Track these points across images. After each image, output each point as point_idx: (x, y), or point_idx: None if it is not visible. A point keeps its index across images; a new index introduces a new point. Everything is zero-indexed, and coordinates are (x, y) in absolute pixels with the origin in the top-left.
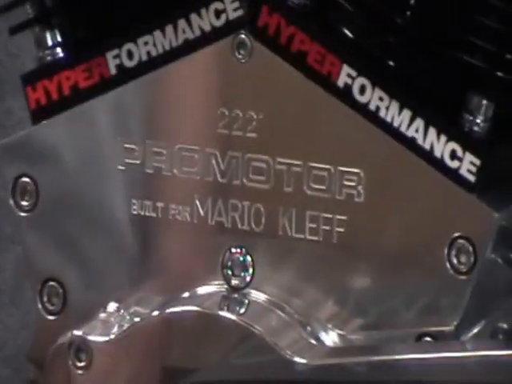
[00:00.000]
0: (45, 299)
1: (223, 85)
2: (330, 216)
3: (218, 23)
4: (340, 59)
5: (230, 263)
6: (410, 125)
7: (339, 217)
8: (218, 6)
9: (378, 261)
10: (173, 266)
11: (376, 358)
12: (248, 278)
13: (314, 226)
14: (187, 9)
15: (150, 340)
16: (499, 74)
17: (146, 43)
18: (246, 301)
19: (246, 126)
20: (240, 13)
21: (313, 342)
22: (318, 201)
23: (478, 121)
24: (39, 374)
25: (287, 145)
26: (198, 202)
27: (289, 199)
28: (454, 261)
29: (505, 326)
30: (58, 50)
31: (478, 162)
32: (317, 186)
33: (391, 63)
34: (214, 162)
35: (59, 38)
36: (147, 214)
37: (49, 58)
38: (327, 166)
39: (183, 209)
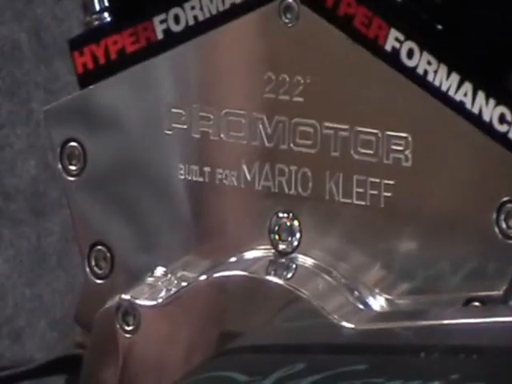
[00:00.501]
0: (92, 263)
1: (270, 49)
2: (378, 180)
3: None
4: (387, 23)
5: (277, 228)
6: (458, 89)
7: (386, 181)
8: None
9: (426, 225)
10: (220, 231)
11: (423, 322)
12: (295, 243)
13: (361, 190)
14: None
15: (196, 304)
16: None
17: (192, 7)
18: (293, 265)
19: (292, 90)
20: None
21: (360, 306)
22: (365, 165)
23: None
24: (86, 337)
25: (334, 109)
26: (244, 167)
27: (336, 164)
28: (503, 225)
29: None
30: (105, 14)
31: None
32: (364, 151)
33: (439, 26)
34: (260, 126)
35: (106, 3)
36: (194, 178)
37: (96, 22)
38: (374, 131)
39: (230, 173)
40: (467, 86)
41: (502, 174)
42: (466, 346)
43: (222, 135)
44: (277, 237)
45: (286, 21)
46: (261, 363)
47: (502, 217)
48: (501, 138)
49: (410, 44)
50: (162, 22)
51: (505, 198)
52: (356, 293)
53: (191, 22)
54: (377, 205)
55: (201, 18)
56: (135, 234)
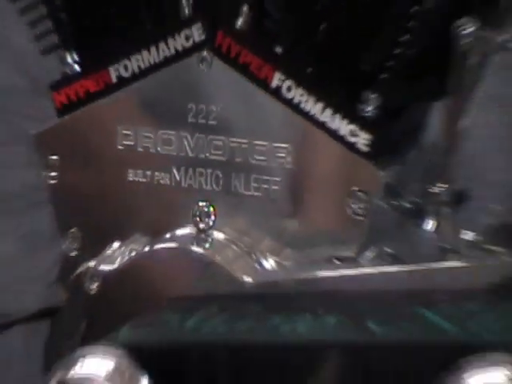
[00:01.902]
0: (68, 242)
1: (192, 87)
2: (268, 178)
3: (188, 44)
4: (273, 67)
5: (198, 213)
6: (322, 112)
7: (275, 178)
8: (187, 32)
9: (302, 210)
10: (158, 216)
11: (302, 275)
12: (211, 223)
13: (256, 185)
14: (166, 34)
15: (142, 269)
16: (384, 76)
17: (137, 59)
18: (210, 239)
19: (208, 116)
20: (203, 37)
21: (257, 266)
22: (259, 167)
23: (370, 109)
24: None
25: (238, 128)
26: (175, 171)
27: (239, 167)
28: (354, 206)
29: (390, 250)
30: (76, 66)
31: (370, 137)
32: (258, 157)
33: (311, 68)
34: (185, 142)
35: (76, 58)
36: (140, 179)
37: (69, 71)
38: (265, 143)
39: (165, 175)
40: (328, 111)
41: (352, 172)
42: (330, 290)
43: (158, 148)
44: (198, 219)
45: (203, 68)
46: (186, 307)
47: (352, 200)
48: (352, 146)
49: (288, 82)
50: (115, 70)
51: (355, 188)
52: (254, 257)
53: (136, 70)
54: (268, 195)
55: (143, 67)
56: (98, 221)
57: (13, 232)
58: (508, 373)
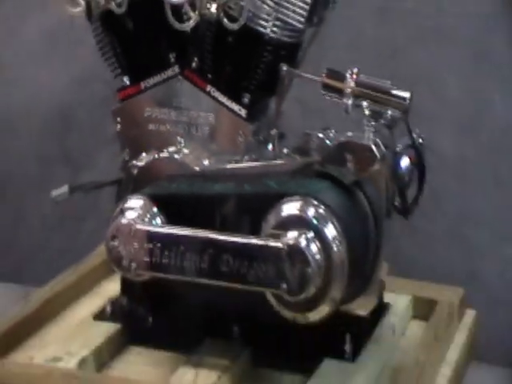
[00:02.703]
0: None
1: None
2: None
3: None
4: (206, 82)
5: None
6: (231, 102)
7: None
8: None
9: (216, 144)
10: None
11: (224, 166)
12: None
13: None
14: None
15: (153, 168)
16: (251, 87)
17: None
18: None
19: None
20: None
21: (203, 162)
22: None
23: (246, 100)
24: None
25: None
26: None
27: None
28: (240, 140)
29: (254, 156)
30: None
31: (246, 111)
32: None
33: (224, 85)
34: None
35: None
36: None
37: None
38: (209, 113)
39: None
40: (233, 102)
41: (239, 125)
42: (237, 173)
43: None
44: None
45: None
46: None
47: (238, 137)
48: (239, 116)
49: (213, 88)
50: (144, 83)
51: (240, 132)
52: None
53: (149, 85)
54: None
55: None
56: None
57: None
58: (299, 203)
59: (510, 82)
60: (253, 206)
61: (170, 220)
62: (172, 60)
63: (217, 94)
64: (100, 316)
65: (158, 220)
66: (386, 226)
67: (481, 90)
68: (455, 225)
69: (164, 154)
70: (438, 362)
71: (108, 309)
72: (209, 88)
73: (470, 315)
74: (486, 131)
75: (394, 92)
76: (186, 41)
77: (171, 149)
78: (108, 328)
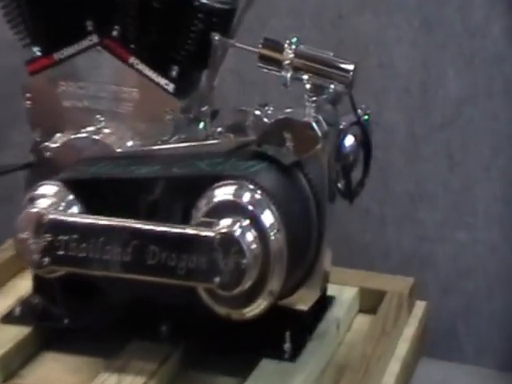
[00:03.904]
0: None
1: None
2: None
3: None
4: (129, 53)
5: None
6: (157, 76)
7: (127, 104)
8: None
9: (142, 122)
10: None
11: (146, 148)
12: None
13: None
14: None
15: (69, 148)
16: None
17: (62, 53)
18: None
19: None
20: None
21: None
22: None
23: (174, 73)
24: None
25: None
26: None
27: None
28: (168, 117)
29: (183, 136)
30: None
31: (174, 85)
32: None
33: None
34: None
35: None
36: None
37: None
38: (114, 87)
39: None
40: (159, 75)
41: (166, 102)
42: (160, 154)
43: None
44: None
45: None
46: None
47: (167, 115)
48: (166, 90)
49: (137, 60)
50: (57, 54)
51: (167, 109)
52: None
53: (63, 57)
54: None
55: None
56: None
57: None
58: (234, 187)
59: (463, 53)
60: (183, 191)
61: (90, 209)
62: (90, 28)
63: (141, 67)
64: (8, 318)
65: (75, 209)
66: (329, 210)
67: (432, 60)
68: (406, 208)
69: (81, 135)
70: (386, 358)
71: (18, 310)
72: (132, 59)
73: (420, 306)
74: (438, 105)
75: (337, 64)
76: (106, 5)
77: (90, 128)
78: (18, 331)
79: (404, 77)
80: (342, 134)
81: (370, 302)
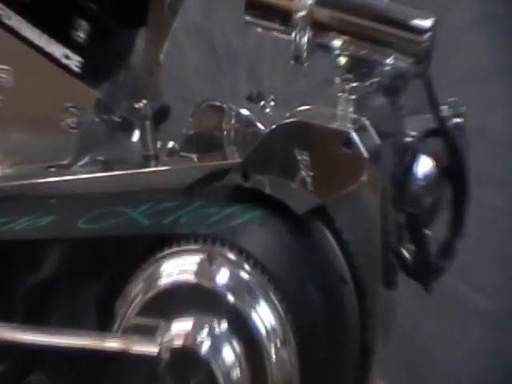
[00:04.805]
0: None
1: None
2: None
3: None
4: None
5: None
6: (39, 38)
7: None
8: None
9: (23, 124)
10: None
11: (22, 181)
12: None
13: None
14: None
15: None
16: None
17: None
18: None
19: None
20: None
21: None
22: None
23: (82, 35)
24: None
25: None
26: None
27: None
28: (68, 121)
29: (101, 158)
30: None
31: (81, 59)
32: None
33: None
34: None
35: None
36: None
37: None
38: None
39: None
40: (44, 36)
41: (67, 90)
42: (47, 194)
43: None
44: None
45: None
46: None
47: (66, 115)
48: (65, 68)
49: (8, 12)
50: None
51: (68, 104)
52: None
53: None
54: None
55: None
56: None
57: None
58: (198, 258)
59: None
60: (98, 267)
61: None
62: None
63: (18, 23)
64: None
65: None
66: (383, 303)
67: None
68: None
69: None
70: None
71: None
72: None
73: None
74: None
75: (400, 18)
76: None
77: None
78: None
79: None
80: (409, 155)
81: None
